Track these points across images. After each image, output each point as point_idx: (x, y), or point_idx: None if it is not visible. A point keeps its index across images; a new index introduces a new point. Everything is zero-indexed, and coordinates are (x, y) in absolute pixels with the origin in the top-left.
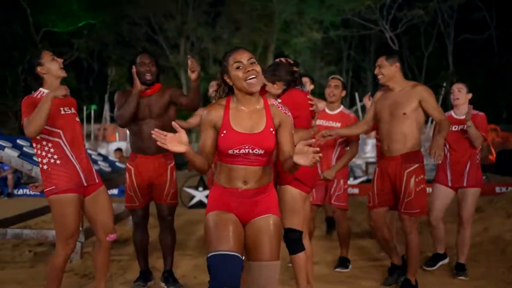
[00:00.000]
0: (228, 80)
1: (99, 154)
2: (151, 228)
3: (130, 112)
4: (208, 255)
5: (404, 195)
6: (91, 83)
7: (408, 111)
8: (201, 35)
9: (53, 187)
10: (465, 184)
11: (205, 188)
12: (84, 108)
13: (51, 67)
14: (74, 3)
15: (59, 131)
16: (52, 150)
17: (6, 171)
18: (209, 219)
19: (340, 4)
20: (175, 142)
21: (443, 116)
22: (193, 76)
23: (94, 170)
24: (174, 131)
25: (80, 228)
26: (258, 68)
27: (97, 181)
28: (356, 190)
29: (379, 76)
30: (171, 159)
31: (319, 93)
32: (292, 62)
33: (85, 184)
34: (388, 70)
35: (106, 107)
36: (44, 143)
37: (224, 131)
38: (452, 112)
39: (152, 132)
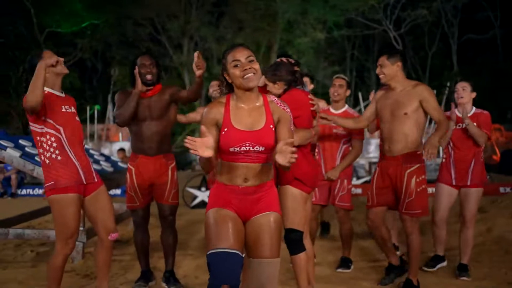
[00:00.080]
0: (227, 78)
1: (101, 154)
2: (153, 228)
3: (130, 112)
4: (208, 253)
5: (405, 195)
6: (94, 83)
7: (409, 111)
8: (204, 35)
9: (52, 182)
10: (469, 183)
11: (207, 188)
12: (88, 108)
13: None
14: (77, 4)
15: (59, 128)
16: (54, 145)
17: (10, 171)
18: (209, 216)
19: (344, 4)
20: (204, 147)
21: (443, 117)
22: (198, 72)
23: (93, 169)
24: (174, 131)
25: (82, 228)
26: (256, 66)
27: (96, 180)
28: (359, 190)
29: (381, 76)
30: (172, 159)
31: (322, 93)
32: (293, 61)
33: (85, 182)
34: (390, 70)
35: (110, 107)
36: (48, 136)
37: (225, 129)
38: (456, 111)
39: (185, 140)
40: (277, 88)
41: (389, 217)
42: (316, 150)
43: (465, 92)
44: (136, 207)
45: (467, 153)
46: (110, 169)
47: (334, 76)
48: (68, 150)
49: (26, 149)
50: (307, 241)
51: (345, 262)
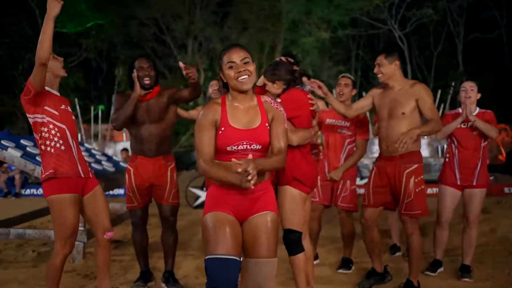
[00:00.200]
0: (222, 78)
1: (103, 154)
2: (154, 229)
3: (125, 117)
4: (206, 258)
5: (404, 196)
6: (99, 83)
7: (407, 110)
8: (209, 35)
9: (52, 171)
10: (475, 183)
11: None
12: (92, 108)
13: (52, 66)
14: (82, 4)
15: (63, 125)
16: (58, 134)
17: (14, 171)
18: (207, 220)
19: (348, 3)
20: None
21: (436, 117)
22: (190, 80)
23: (87, 165)
24: (177, 130)
25: (83, 228)
26: (251, 67)
27: (91, 175)
28: (362, 191)
29: (379, 75)
30: (172, 160)
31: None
32: (292, 61)
33: (82, 176)
34: (388, 69)
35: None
36: (51, 126)
37: (222, 128)
38: (460, 110)
39: (247, 178)
40: (276, 87)
41: (394, 217)
42: (318, 150)
43: (473, 92)
44: (134, 207)
45: (473, 152)
46: (112, 169)
47: (340, 75)
48: (71, 143)
49: (28, 149)
50: (306, 242)
51: (346, 263)
